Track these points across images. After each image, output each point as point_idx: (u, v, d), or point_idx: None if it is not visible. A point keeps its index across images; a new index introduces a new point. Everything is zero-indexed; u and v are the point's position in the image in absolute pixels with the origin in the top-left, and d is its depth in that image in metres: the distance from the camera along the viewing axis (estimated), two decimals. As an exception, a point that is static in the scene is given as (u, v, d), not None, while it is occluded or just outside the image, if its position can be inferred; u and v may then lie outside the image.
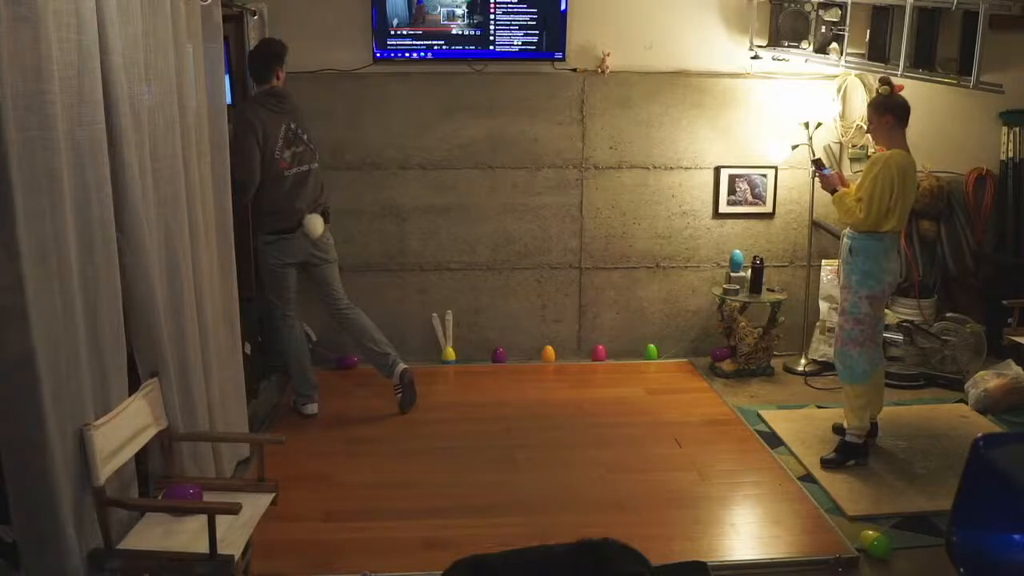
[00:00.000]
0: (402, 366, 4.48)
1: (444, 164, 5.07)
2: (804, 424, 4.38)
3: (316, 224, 4.26)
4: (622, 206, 5.21)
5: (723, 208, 5.23)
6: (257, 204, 4.25)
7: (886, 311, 4.41)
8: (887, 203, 3.72)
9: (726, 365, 5.11)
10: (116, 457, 2.61)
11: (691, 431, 4.32)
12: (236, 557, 2.59)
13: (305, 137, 4.27)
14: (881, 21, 4.34)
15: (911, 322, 4.91)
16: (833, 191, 4.00)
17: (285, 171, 4.17)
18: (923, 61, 4.00)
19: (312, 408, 4.46)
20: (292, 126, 4.21)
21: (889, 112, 3.79)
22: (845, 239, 3.94)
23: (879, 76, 4.01)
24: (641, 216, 5.22)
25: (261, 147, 4.09)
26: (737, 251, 5.16)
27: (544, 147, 5.10)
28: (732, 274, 5.12)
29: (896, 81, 3.90)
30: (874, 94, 4.01)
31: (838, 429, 4.10)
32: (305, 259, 4.31)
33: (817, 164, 4.33)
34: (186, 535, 2.66)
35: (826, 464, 3.93)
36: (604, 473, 3.90)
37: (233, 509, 2.54)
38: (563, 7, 4.84)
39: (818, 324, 5.18)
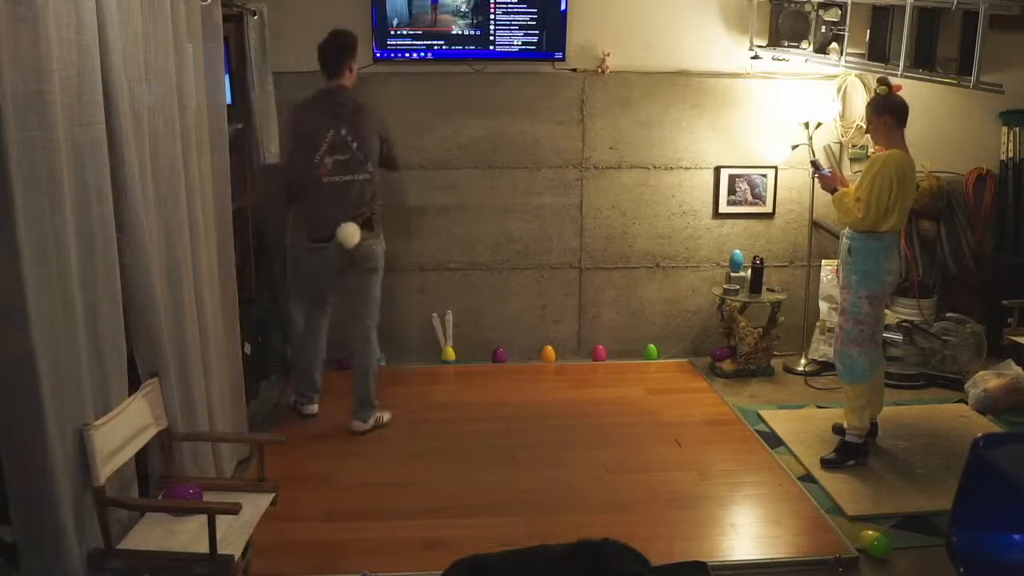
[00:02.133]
0: (362, 427, 4.25)
1: (444, 164, 5.07)
2: (804, 424, 4.38)
3: (350, 234, 3.99)
4: (622, 206, 5.21)
5: (723, 208, 5.23)
6: (296, 208, 4.18)
7: (886, 311, 4.41)
8: (886, 203, 3.71)
9: (726, 365, 5.11)
10: (116, 457, 2.60)
11: (691, 431, 4.32)
12: (236, 557, 2.59)
13: (355, 145, 4.03)
14: (881, 21, 4.34)
15: (911, 322, 4.91)
16: (833, 191, 3.99)
17: (324, 178, 4.00)
18: (923, 61, 4.00)
19: (312, 408, 4.45)
20: (342, 132, 4.00)
21: (888, 112, 3.79)
22: (844, 239, 3.94)
23: (877, 76, 4.00)
24: (641, 216, 5.22)
25: (301, 148, 3.99)
26: (737, 251, 5.16)
27: (544, 147, 5.10)
28: (732, 274, 5.12)
29: (896, 81, 3.90)
30: (873, 94, 4.01)
31: (838, 429, 4.10)
32: (345, 268, 4.12)
33: (815, 165, 4.32)
34: (186, 535, 2.66)
35: (826, 464, 3.93)
36: (604, 473, 3.90)
37: (233, 509, 2.54)
38: (563, 7, 4.84)
39: (818, 324, 5.18)
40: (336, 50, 4.08)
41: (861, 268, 3.84)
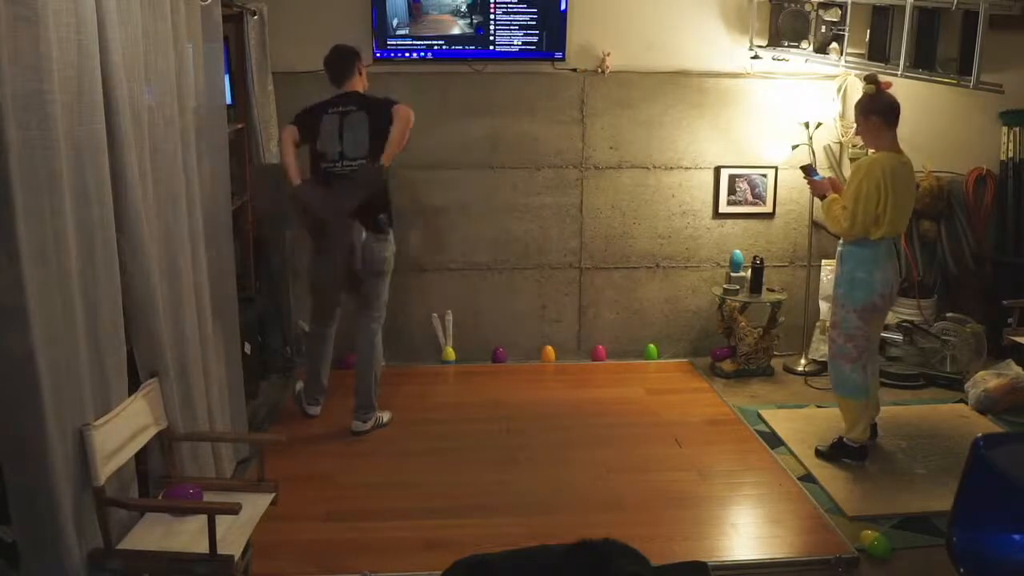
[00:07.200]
0: (362, 427, 4.24)
1: (444, 164, 5.07)
2: (804, 424, 4.38)
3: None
4: (622, 206, 5.21)
5: (723, 208, 5.23)
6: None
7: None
8: (874, 210, 3.56)
9: (726, 365, 5.11)
10: (116, 457, 2.61)
11: (691, 431, 4.32)
12: (236, 557, 2.59)
13: (360, 148, 3.98)
14: (881, 21, 4.34)
15: (911, 322, 4.91)
16: (822, 197, 3.89)
17: (329, 179, 4.01)
18: (923, 61, 4.00)
19: (315, 410, 4.45)
20: (348, 135, 3.98)
21: (874, 113, 3.62)
22: (838, 245, 3.88)
23: (865, 75, 3.81)
24: (641, 216, 5.23)
25: (310, 146, 4.03)
26: (737, 251, 5.16)
27: (544, 147, 5.10)
28: (732, 274, 5.12)
29: (895, 80, 3.86)
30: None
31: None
32: (354, 271, 4.09)
33: (806, 170, 4.16)
34: (186, 535, 2.66)
35: (819, 454, 3.95)
36: (604, 473, 3.89)
37: (233, 509, 2.54)
38: (563, 7, 4.84)
39: (818, 324, 5.18)
40: (340, 61, 4.09)
41: (849, 277, 3.72)
